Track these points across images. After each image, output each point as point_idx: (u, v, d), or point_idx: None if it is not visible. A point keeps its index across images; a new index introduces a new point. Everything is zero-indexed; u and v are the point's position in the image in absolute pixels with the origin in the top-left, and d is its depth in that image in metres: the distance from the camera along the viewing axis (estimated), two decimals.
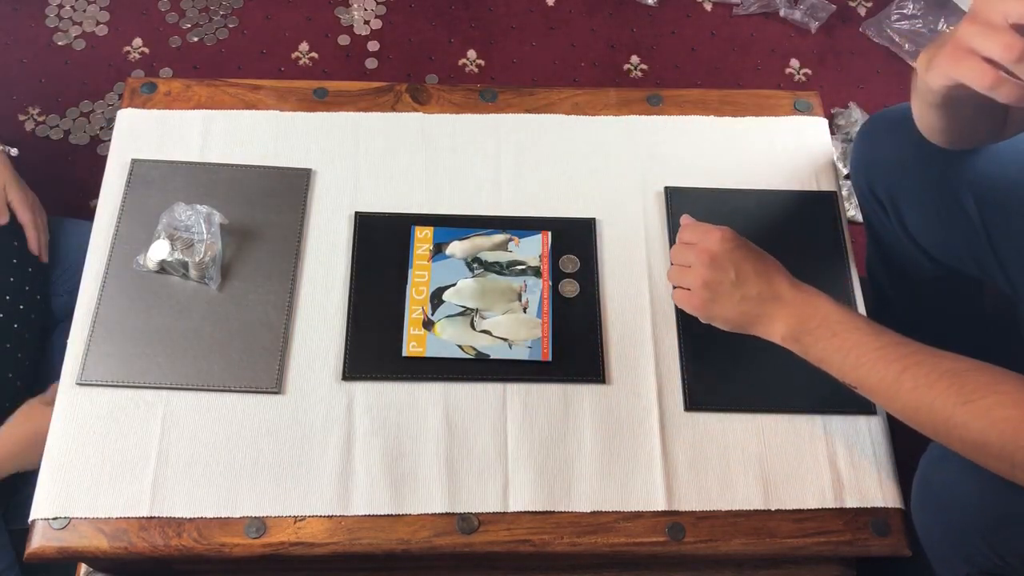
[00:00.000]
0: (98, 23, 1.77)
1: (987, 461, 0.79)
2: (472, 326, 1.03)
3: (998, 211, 1.01)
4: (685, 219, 1.02)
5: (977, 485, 0.84)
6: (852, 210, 1.54)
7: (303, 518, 0.93)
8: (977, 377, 0.79)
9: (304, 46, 1.76)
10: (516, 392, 1.00)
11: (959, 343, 1.34)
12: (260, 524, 0.92)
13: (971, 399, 0.77)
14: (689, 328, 1.03)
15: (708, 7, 1.85)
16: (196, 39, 1.76)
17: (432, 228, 1.08)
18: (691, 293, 0.95)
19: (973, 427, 0.77)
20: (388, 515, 0.93)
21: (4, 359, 1.19)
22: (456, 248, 1.07)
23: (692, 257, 0.94)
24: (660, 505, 0.95)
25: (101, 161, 1.12)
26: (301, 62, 1.75)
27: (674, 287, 0.99)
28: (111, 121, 1.63)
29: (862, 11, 1.86)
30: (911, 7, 1.82)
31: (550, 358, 1.01)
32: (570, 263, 1.08)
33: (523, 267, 1.07)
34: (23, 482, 1.10)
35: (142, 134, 1.13)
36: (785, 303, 0.90)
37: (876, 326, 0.88)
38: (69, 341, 1.00)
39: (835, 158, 1.20)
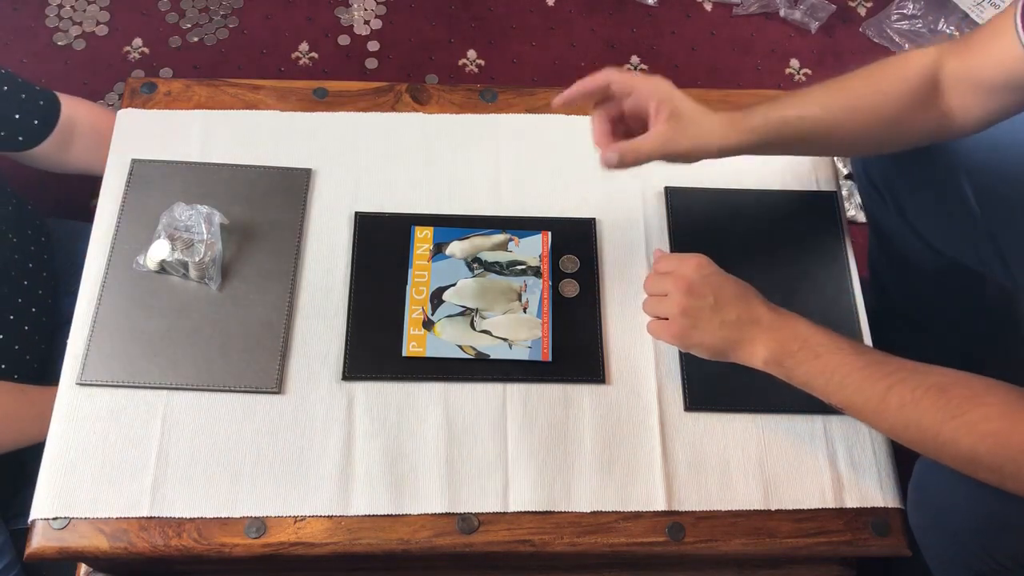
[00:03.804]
0: (98, 23, 1.77)
1: (978, 473, 0.79)
2: (472, 326, 1.03)
3: (997, 202, 1.01)
4: (657, 252, 1.00)
5: (970, 488, 0.83)
6: (852, 210, 1.54)
7: (303, 518, 0.93)
8: (962, 391, 0.79)
9: (304, 46, 1.76)
10: (516, 392, 1.00)
11: (960, 336, 1.34)
12: (260, 524, 0.92)
13: (957, 414, 0.78)
14: None
15: (708, 7, 1.85)
16: (196, 39, 1.76)
17: (432, 228, 1.08)
18: (669, 322, 0.92)
19: (962, 443, 0.78)
20: (388, 515, 0.93)
21: (12, 360, 1.19)
22: (456, 248, 1.07)
23: (668, 285, 0.92)
24: (660, 505, 0.95)
25: None
26: (301, 62, 1.75)
27: (650, 318, 0.96)
28: None
29: (862, 11, 1.86)
30: (911, 7, 1.82)
31: (550, 358, 1.01)
32: (570, 263, 1.08)
33: (523, 267, 1.07)
34: (23, 482, 1.10)
35: (142, 134, 1.13)
36: (764, 327, 0.89)
37: (858, 345, 0.88)
38: (69, 341, 1.00)
39: (835, 158, 1.20)
